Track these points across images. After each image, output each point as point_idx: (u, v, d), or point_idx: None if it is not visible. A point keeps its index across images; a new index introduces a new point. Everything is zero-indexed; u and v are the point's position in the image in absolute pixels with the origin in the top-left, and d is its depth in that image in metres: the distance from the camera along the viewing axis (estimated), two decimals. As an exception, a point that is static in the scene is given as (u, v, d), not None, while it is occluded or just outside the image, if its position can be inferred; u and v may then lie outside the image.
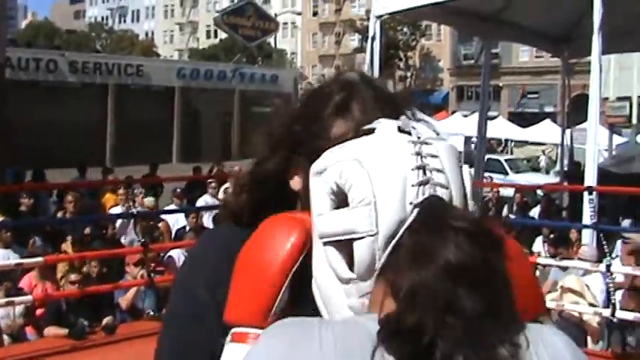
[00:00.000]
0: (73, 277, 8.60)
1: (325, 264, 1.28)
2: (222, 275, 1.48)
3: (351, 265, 1.24)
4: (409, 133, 1.27)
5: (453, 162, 1.28)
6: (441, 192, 1.22)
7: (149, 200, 13.33)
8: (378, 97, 1.57)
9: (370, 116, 1.44)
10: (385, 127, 1.29)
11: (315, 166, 1.33)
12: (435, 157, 1.25)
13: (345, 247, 1.25)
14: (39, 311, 8.64)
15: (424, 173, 1.22)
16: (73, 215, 12.15)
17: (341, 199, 1.26)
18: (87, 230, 11.57)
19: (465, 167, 1.33)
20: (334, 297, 1.27)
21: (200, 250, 1.75)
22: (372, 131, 1.30)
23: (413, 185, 1.21)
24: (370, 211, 1.21)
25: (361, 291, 1.23)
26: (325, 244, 1.28)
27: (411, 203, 1.20)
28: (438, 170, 1.24)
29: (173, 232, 12.53)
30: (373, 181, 1.22)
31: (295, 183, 1.59)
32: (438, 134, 1.33)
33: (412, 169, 1.22)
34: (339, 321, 1.21)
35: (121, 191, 13.12)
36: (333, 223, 1.26)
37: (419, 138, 1.26)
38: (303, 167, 1.52)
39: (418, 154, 1.23)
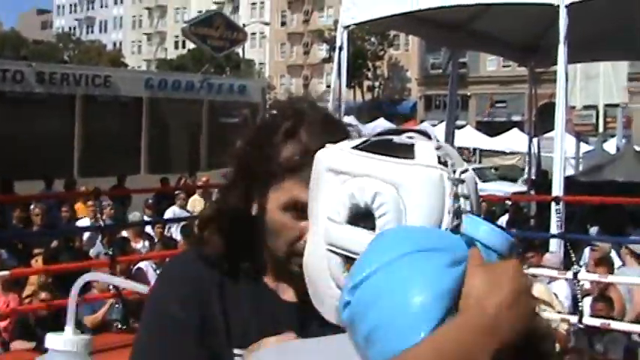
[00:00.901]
0: (43, 295, 8.52)
1: (324, 265, 1.27)
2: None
3: None
4: (446, 164, 1.21)
5: (476, 196, 1.26)
6: None
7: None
8: (326, 121, 1.70)
9: (318, 140, 1.50)
10: (425, 152, 1.22)
11: (337, 161, 1.28)
12: (467, 198, 1.22)
13: (352, 261, 1.21)
14: (2, 324, 8.55)
15: (458, 217, 1.19)
16: (39, 228, 12.05)
17: (364, 215, 1.21)
18: (54, 243, 11.48)
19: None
20: (320, 288, 1.30)
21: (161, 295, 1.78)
22: (408, 149, 1.24)
23: (447, 229, 1.19)
24: None
25: None
26: (332, 251, 1.25)
27: None
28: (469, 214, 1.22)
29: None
30: (409, 212, 1.18)
31: (254, 209, 1.71)
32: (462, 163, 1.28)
33: (449, 212, 1.19)
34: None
35: (89, 203, 13.03)
36: (348, 239, 1.22)
37: (454, 172, 1.21)
38: (258, 192, 1.69)
39: (455, 196, 1.20)
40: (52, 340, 1.52)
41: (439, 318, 1.06)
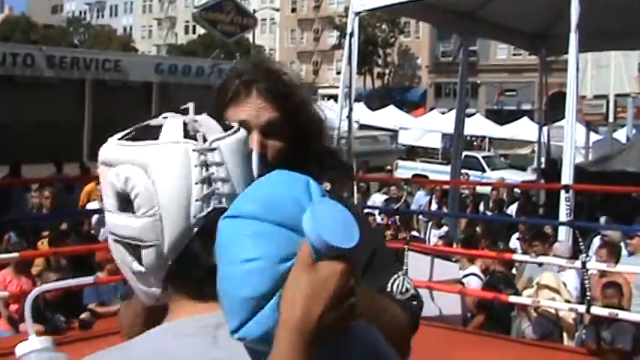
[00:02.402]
0: (51, 275, 8.57)
1: (118, 255, 1.33)
2: None
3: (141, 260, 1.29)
4: (195, 138, 1.27)
5: (239, 160, 1.31)
6: (225, 202, 1.25)
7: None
8: (270, 89, 2.09)
9: (256, 103, 2.05)
10: (171, 130, 1.29)
11: (104, 154, 1.33)
12: (221, 164, 1.27)
13: (134, 247, 1.29)
14: (13, 307, 8.60)
15: (209, 185, 1.25)
16: (49, 211, 12.09)
17: (127, 201, 1.27)
18: (63, 226, 11.53)
19: (254, 157, 1.35)
20: (132, 281, 1.34)
21: None
22: (158, 130, 1.30)
23: (197, 200, 1.24)
24: (155, 222, 1.24)
25: (153, 283, 1.31)
26: (115, 240, 1.31)
27: (195, 216, 1.24)
28: (223, 180, 1.27)
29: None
30: (158, 192, 1.24)
31: None
32: (225, 126, 1.35)
33: (196, 183, 1.24)
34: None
35: (98, 187, 13.07)
36: (122, 226, 1.28)
37: (205, 142, 1.28)
38: None
39: (203, 164, 1.25)
40: (19, 349, 1.74)
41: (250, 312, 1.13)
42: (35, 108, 34.61)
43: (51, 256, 9.59)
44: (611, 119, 27.74)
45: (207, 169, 1.25)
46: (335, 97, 17.38)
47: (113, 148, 1.31)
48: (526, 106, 55.13)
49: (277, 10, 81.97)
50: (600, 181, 12.35)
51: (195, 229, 1.25)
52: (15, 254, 8.50)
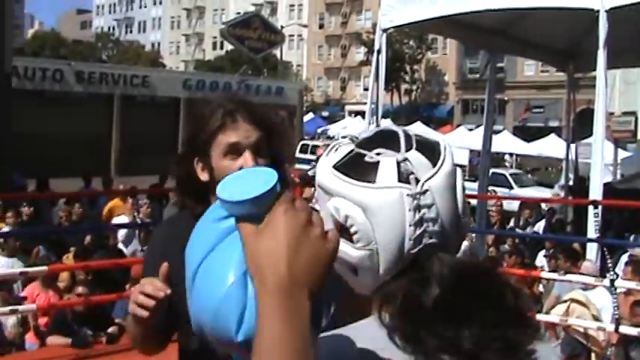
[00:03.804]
0: (80, 289, 8.61)
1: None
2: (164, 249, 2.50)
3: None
4: (408, 180, 1.36)
5: (447, 196, 1.39)
6: (434, 238, 1.36)
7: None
8: (251, 114, 2.51)
9: (232, 105, 2.51)
10: (386, 173, 1.37)
11: (322, 179, 1.42)
12: (431, 206, 1.36)
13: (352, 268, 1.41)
14: (42, 320, 8.65)
15: (421, 225, 1.35)
16: (77, 225, 12.16)
17: (345, 230, 1.37)
18: (87, 240, 11.60)
19: (459, 182, 1.43)
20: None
21: (156, 228, 3.16)
22: (373, 169, 1.38)
23: (410, 239, 1.34)
24: (372, 255, 1.36)
25: (364, 289, 1.44)
26: None
27: (407, 251, 1.35)
28: (434, 220, 1.36)
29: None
30: (376, 232, 1.34)
31: (203, 176, 2.53)
32: (432, 157, 1.40)
33: (410, 225, 1.34)
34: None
35: (128, 201, 13.14)
36: (340, 251, 1.33)
37: (417, 182, 1.36)
38: (205, 164, 2.51)
39: (416, 208, 1.34)
40: None
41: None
42: (64, 123, 34.86)
43: (79, 269, 9.64)
44: (639, 136, 27.58)
45: (419, 211, 1.35)
46: (362, 114, 17.40)
47: (331, 177, 1.40)
48: (554, 123, 54.95)
49: (305, 26, 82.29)
50: (629, 198, 12.26)
51: (407, 261, 1.36)
52: (44, 267, 8.54)
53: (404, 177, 1.36)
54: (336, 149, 1.44)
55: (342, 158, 1.41)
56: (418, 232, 1.34)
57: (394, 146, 1.40)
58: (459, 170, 1.44)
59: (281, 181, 1.20)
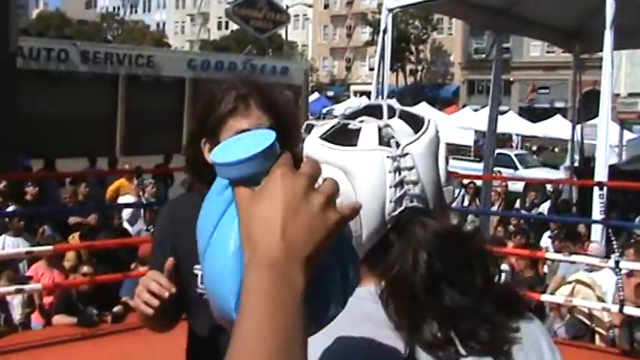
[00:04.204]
0: (85, 269, 8.65)
1: None
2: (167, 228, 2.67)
3: None
4: (389, 144, 1.39)
5: (428, 162, 1.43)
6: (416, 201, 1.39)
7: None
8: (264, 101, 2.50)
9: (246, 88, 2.50)
10: (368, 137, 1.40)
11: (309, 150, 1.46)
12: (412, 168, 1.39)
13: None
14: (47, 299, 8.68)
15: (402, 187, 1.38)
16: (83, 204, 12.20)
17: None
18: (92, 219, 11.64)
19: (442, 152, 1.45)
20: None
21: (163, 208, 3.17)
22: (356, 134, 1.41)
23: (391, 201, 1.37)
24: (355, 220, 1.33)
25: None
26: None
27: (389, 214, 1.38)
28: (414, 183, 1.39)
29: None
30: (357, 194, 1.37)
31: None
32: (415, 126, 1.44)
33: (390, 187, 1.37)
34: None
35: (134, 181, 13.17)
36: None
37: (398, 146, 1.39)
38: (213, 146, 2.45)
39: (396, 169, 1.38)
40: None
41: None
42: (69, 102, 34.86)
43: (84, 249, 9.67)
44: (645, 117, 27.54)
45: (399, 174, 1.38)
46: (367, 94, 17.38)
47: (317, 147, 1.44)
48: (559, 104, 54.80)
49: (310, 6, 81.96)
50: (634, 179, 12.25)
51: (389, 225, 1.38)
52: (49, 247, 8.58)
53: (385, 141, 1.40)
54: (326, 124, 1.48)
55: (329, 129, 1.46)
56: (399, 193, 1.37)
57: (377, 115, 1.45)
58: (442, 141, 1.46)
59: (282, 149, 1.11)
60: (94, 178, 15.76)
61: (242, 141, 1.11)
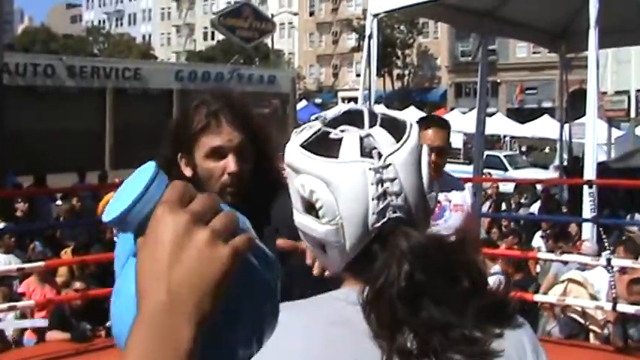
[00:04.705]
0: (77, 284, 8.62)
1: (307, 243, 1.51)
2: None
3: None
4: (370, 155, 1.39)
5: (411, 171, 1.42)
6: (399, 212, 1.39)
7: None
8: (235, 116, 2.53)
9: (216, 104, 2.53)
10: (349, 147, 1.40)
11: (290, 159, 1.46)
12: (394, 179, 1.39)
13: (319, 244, 1.46)
14: (39, 315, 8.65)
15: (384, 199, 1.38)
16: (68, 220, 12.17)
17: (311, 206, 1.42)
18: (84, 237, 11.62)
19: (424, 158, 1.45)
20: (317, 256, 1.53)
21: None
22: (337, 144, 1.40)
23: (374, 213, 1.37)
24: (338, 229, 1.39)
25: (334, 267, 1.49)
26: (303, 234, 1.48)
27: (372, 226, 1.38)
28: (397, 194, 1.39)
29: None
30: (340, 206, 1.38)
31: (187, 171, 2.56)
32: (396, 133, 1.43)
33: (373, 199, 1.37)
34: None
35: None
36: (308, 227, 1.44)
37: (380, 157, 1.39)
38: (188, 160, 2.55)
39: (379, 181, 1.37)
40: None
41: None
42: (56, 118, 34.75)
43: (76, 264, 9.65)
44: (633, 114, 27.62)
45: (382, 185, 1.38)
46: (355, 100, 17.37)
47: (298, 156, 1.44)
48: (547, 104, 54.97)
49: (295, 14, 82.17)
50: (623, 176, 12.28)
51: (373, 235, 1.39)
52: (40, 263, 8.56)
53: (366, 152, 1.39)
54: (305, 130, 1.47)
55: (309, 137, 1.44)
56: (381, 205, 1.37)
57: (358, 123, 1.43)
58: (424, 147, 1.46)
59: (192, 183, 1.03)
60: (86, 192, 15.73)
61: (123, 191, 0.97)
